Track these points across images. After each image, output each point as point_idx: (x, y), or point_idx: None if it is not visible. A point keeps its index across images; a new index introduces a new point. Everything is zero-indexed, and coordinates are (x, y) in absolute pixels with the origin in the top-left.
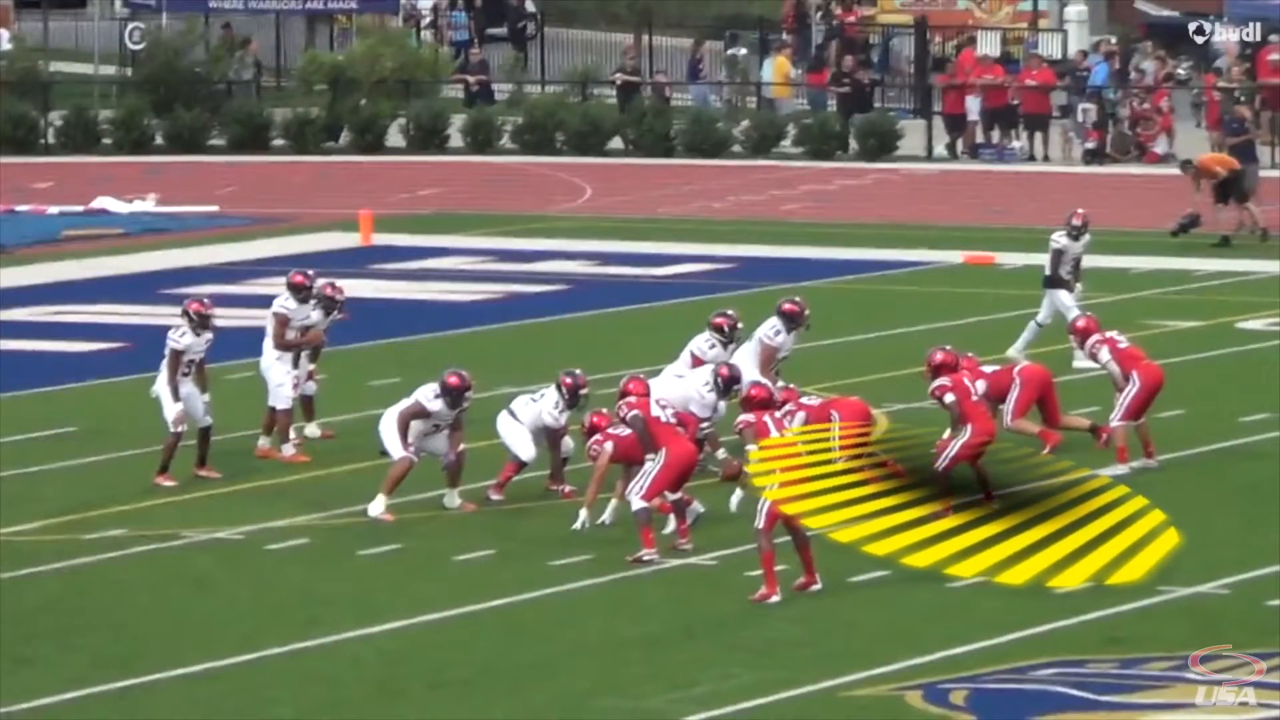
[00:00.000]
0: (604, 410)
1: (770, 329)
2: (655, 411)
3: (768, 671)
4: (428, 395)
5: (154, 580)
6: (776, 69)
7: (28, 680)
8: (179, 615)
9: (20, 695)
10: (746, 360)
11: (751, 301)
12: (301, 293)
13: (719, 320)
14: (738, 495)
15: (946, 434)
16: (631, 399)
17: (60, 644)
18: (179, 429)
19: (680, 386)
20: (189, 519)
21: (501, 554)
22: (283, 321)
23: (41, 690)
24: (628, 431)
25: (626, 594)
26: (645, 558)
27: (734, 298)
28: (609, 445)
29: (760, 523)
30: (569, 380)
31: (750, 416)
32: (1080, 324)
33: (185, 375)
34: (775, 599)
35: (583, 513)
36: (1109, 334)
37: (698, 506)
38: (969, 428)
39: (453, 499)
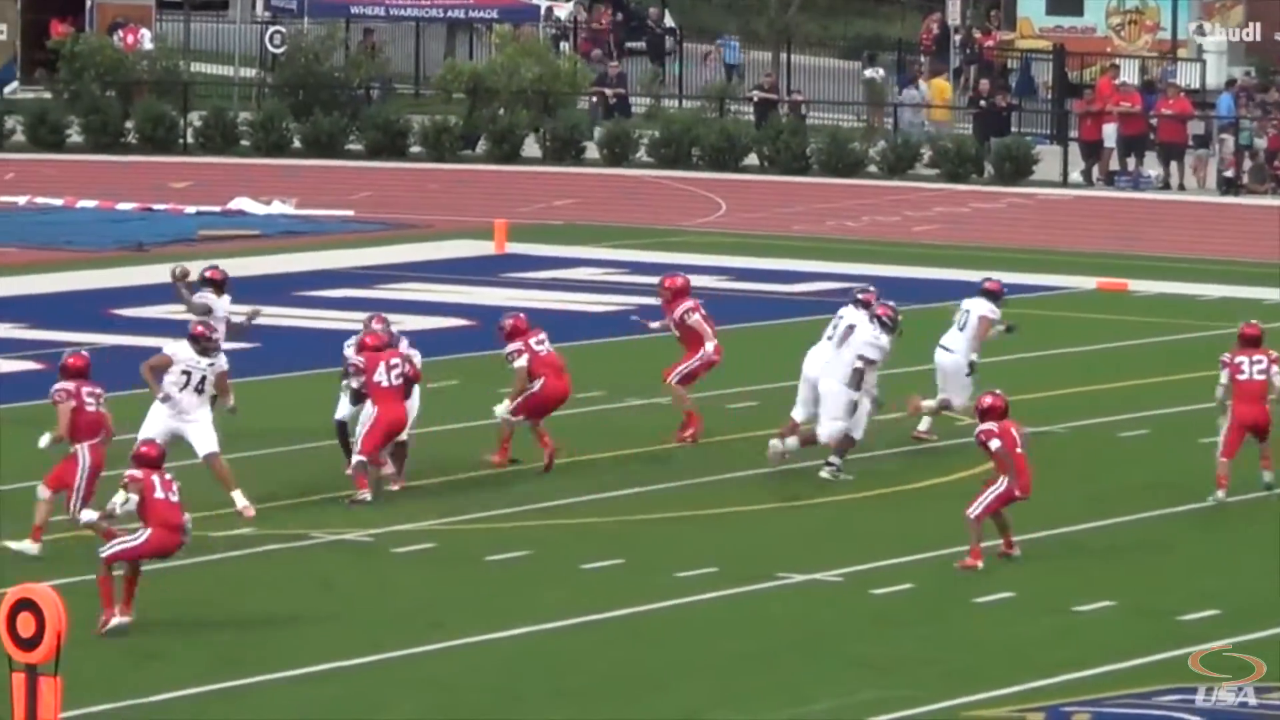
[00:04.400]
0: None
1: (986, 309)
2: None
3: (889, 689)
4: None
5: (280, 580)
6: (936, 92)
7: (152, 674)
8: (303, 615)
9: (145, 689)
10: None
11: None
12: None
13: (881, 311)
14: None
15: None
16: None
17: (185, 640)
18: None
19: (843, 353)
20: (318, 520)
21: (629, 564)
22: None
23: (165, 685)
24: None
25: (749, 608)
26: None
27: None
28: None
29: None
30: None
31: None
32: None
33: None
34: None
35: None
36: None
37: None
38: (1005, 480)
39: (241, 499)
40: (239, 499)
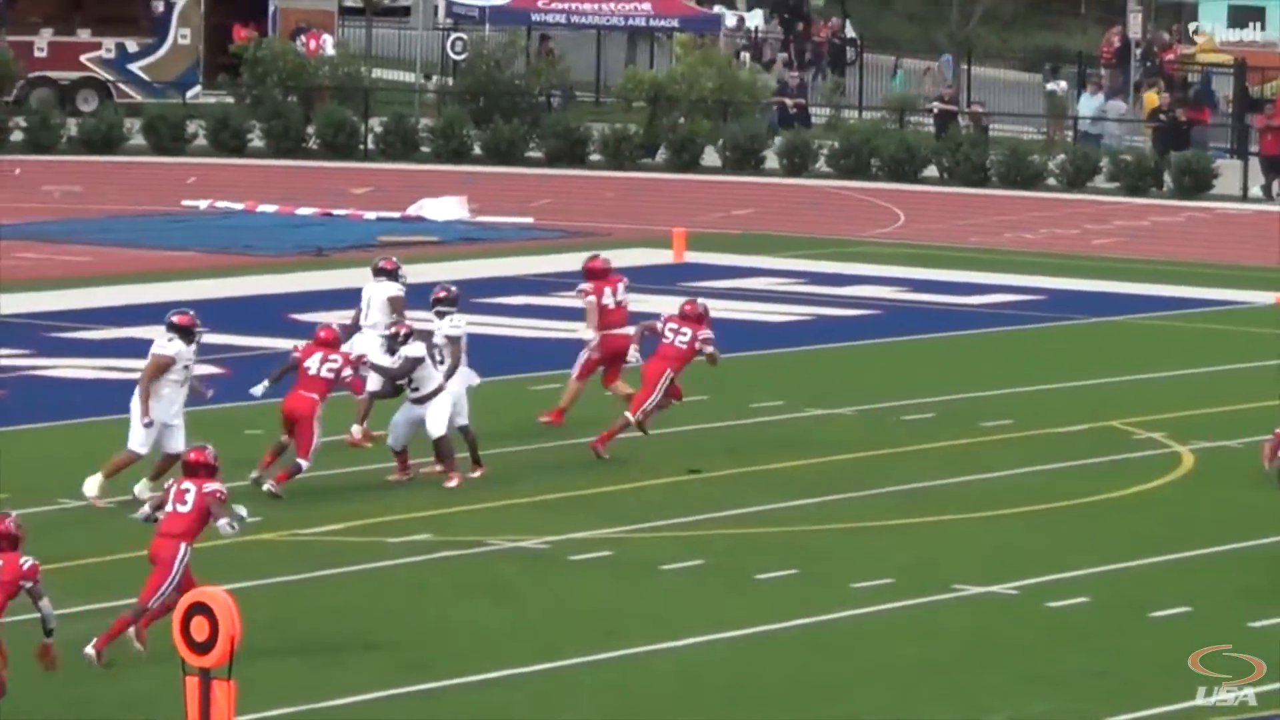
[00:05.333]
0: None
1: None
2: None
3: (1064, 702)
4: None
5: (456, 586)
6: (1148, 104)
7: (328, 679)
8: (480, 622)
9: (323, 693)
10: None
11: (1062, 334)
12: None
13: None
14: None
15: None
16: None
17: (363, 645)
18: None
19: None
20: (493, 527)
21: (803, 574)
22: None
23: (344, 689)
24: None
25: (926, 619)
26: None
27: (1044, 330)
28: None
29: None
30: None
31: None
32: None
33: None
34: None
35: None
36: None
37: None
38: None
39: (144, 489)
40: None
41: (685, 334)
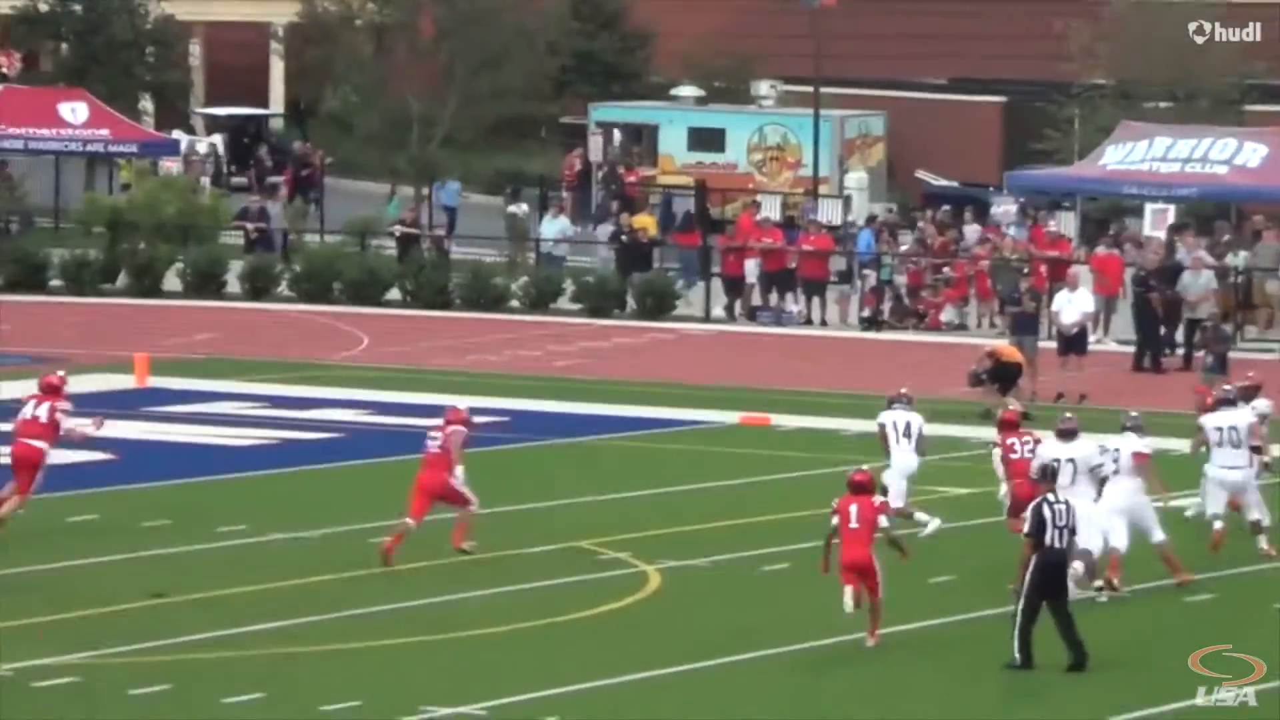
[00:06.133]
0: None
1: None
2: None
3: None
4: None
5: None
6: (639, 225)
7: None
8: None
9: None
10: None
11: (526, 455)
12: None
13: None
14: None
15: None
16: None
17: None
18: None
19: None
20: None
21: (272, 698)
22: None
23: None
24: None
25: None
26: None
27: (508, 451)
28: None
29: None
30: None
31: None
32: None
33: None
34: None
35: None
36: None
37: None
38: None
39: None
40: None
41: None
